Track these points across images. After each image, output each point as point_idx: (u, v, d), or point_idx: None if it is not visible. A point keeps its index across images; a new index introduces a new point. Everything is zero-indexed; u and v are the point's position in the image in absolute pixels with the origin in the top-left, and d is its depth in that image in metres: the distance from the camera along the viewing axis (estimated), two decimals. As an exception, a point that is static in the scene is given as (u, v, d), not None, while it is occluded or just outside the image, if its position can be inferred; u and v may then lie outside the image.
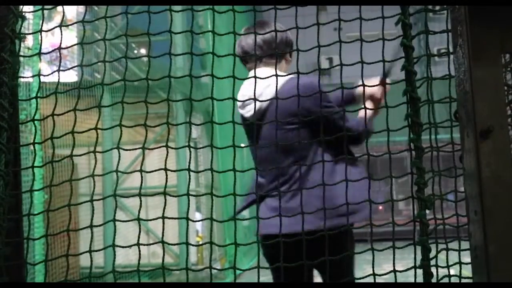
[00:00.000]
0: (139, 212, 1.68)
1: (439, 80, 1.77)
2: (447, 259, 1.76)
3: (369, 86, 1.85)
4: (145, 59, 1.86)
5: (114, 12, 5.58)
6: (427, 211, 1.64)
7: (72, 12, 7.03)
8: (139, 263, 1.66)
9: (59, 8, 1.95)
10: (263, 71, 2.37)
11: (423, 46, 1.81)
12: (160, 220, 1.70)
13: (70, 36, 6.44)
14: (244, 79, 1.80)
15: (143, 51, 9.06)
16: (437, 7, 1.79)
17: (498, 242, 1.26)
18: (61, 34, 1.79)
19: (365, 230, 2.62)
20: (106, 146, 7.29)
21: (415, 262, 1.62)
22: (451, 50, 1.50)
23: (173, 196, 1.72)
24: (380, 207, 11.02)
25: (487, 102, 1.29)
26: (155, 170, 1.75)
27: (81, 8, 7.06)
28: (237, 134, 1.83)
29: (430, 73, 1.66)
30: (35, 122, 1.79)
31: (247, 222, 8.15)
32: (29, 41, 4.64)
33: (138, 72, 7.74)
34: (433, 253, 1.60)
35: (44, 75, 1.81)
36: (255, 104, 1.88)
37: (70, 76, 7.05)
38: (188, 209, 1.76)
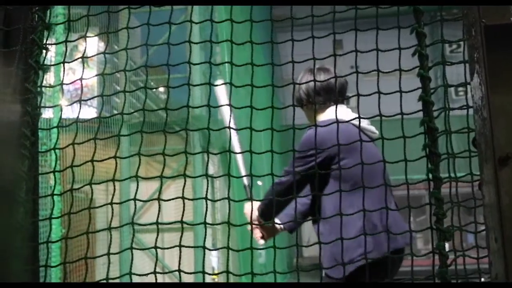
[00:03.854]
0: (156, 240, 1.68)
1: (456, 117, 1.77)
2: (467, 292, 1.73)
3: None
4: (163, 97, 1.89)
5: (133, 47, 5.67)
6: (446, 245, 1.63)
7: (93, 50, 7.17)
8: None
9: (81, 47, 2.00)
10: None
11: (439, 83, 1.82)
12: (176, 257, 1.70)
13: (91, 74, 6.55)
14: (261, 109, 1.81)
15: (161, 89, 9.19)
16: (454, 39, 1.82)
17: (519, 269, 1.24)
18: (83, 66, 1.83)
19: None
20: (124, 182, 7.32)
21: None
22: (468, 82, 1.51)
23: (190, 225, 1.72)
24: (398, 246, 10.86)
25: (506, 129, 1.29)
26: (173, 199, 1.76)
27: (101, 47, 7.20)
28: (254, 166, 1.84)
29: (447, 103, 1.67)
30: (56, 151, 1.81)
31: (263, 260, 8.07)
32: (51, 78, 4.73)
33: (156, 108, 7.82)
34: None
35: (66, 105, 1.84)
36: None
37: (90, 113, 7.14)
38: (205, 240, 1.75)
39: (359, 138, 1.81)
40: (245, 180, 2.73)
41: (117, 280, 1.69)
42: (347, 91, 2.82)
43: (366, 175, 1.95)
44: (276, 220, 2.87)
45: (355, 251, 2.09)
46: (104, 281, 1.65)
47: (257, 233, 2.82)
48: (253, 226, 2.70)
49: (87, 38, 1.94)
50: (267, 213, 2.67)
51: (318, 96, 2.72)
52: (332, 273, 2.43)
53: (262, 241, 2.84)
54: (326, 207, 2.54)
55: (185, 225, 1.68)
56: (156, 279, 1.67)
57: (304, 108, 2.85)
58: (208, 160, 2.01)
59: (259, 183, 7.55)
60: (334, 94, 2.66)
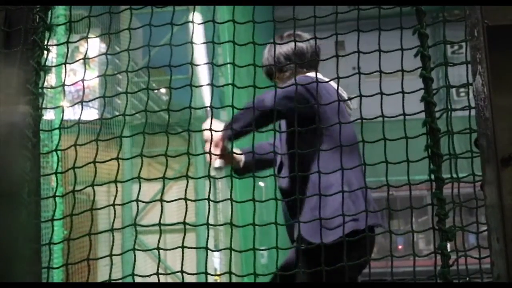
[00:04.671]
0: (158, 241, 1.68)
1: (458, 118, 1.77)
2: (469, 293, 1.73)
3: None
4: (165, 98, 1.89)
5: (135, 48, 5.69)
6: (448, 245, 1.63)
7: (94, 51, 7.18)
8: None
9: (82, 48, 2.01)
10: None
11: (441, 84, 1.82)
12: (178, 258, 1.70)
13: (92, 75, 6.57)
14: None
15: (163, 91, 9.20)
16: (456, 40, 1.81)
17: (522, 269, 1.24)
18: (85, 67, 1.84)
19: (385, 270, 2.57)
20: (126, 183, 7.33)
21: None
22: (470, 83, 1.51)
23: (192, 226, 1.72)
24: (400, 246, 10.86)
25: (508, 129, 1.29)
26: (175, 200, 1.76)
27: (103, 49, 7.20)
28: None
29: (450, 104, 1.67)
30: (57, 153, 1.82)
31: (265, 260, 8.08)
32: (52, 79, 4.73)
33: (158, 110, 7.83)
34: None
35: (67, 106, 1.85)
36: None
37: (92, 115, 7.15)
38: (207, 241, 1.76)
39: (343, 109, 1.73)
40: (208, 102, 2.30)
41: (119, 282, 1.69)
42: (320, 56, 2.47)
43: (349, 147, 1.88)
44: (238, 151, 2.51)
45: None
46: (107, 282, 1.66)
47: (217, 151, 2.35)
48: (212, 144, 2.13)
49: (89, 39, 1.94)
50: (241, 126, 2.14)
51: (289, 62, 2.38)
52: (315, 239, 2.02)
53: (218, 163, 2.40)
54: (308, 165, 2.16)
55: (187, 226, 1.68)
56: (158, 280, 1.67)
57: (274, 79, 2.48)
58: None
59: (261, 184, 7.54)
60: (306, 58, 2.37)
